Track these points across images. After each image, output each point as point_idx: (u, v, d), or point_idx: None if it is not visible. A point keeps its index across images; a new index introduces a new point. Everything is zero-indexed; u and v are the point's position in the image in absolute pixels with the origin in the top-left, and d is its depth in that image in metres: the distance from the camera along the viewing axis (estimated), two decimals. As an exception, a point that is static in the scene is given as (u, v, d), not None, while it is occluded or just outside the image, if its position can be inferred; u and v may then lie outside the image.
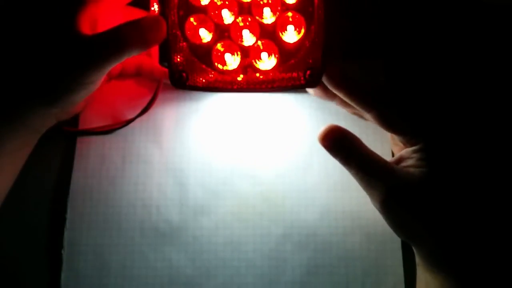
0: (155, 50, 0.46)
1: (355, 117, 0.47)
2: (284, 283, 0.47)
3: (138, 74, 0.51)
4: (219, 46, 0.45)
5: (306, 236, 0.48)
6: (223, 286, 0.47)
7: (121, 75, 0.51)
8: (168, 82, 0.45)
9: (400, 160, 0.42)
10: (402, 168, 0.42)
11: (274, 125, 0.51)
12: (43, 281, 0.46)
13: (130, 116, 0.50)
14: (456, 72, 0.53)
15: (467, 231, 0.40)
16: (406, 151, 0.42)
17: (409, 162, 0.41)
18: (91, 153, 0.50)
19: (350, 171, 0.43)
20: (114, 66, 0.42)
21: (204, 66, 0.45)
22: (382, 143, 0.50)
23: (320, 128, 0.47)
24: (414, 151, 0.41)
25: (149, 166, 0.50)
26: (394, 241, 0.48)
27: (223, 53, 0.45)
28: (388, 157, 0.49)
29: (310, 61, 0.44)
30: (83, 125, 0.50)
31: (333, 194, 0.49)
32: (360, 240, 0.48)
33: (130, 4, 0.47)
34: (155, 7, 0.45)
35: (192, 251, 0.47)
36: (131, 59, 0.50)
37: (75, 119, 0.50)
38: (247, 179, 0.49)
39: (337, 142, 0.43)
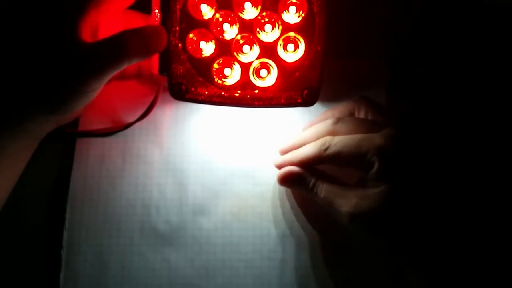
0: (155, 57, 0.46)
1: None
2: (284, 284, 0.47)
3: (139, 75, 0.51)
4: (219, 61, 0.45)
5: (306, 237, 0.48)
6: (222, 287, 0.47)
7: (122, 76, 0.51)
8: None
9: (360, 181, 0.43)
10: (361, 190, 0.42)
11: (274, 125, 0.51)
12: (42, 281, 0.46)
13: (130, 118, 0.50)
14: (455, 72, 0.53)
15: (428, 245, 0.41)
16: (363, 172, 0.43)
17: (368, 183, 0.41)
18: (91, 153, 0.50)
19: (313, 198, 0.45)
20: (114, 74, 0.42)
21: (203, 79, 0.45)
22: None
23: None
24: (371, 173, 0.41)
25: (149, 166, 0.50)
26: (393, 242, 0.48)
27: (222, 68, 0.45)
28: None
29: (308, 81, 0.45)
30: (83, 126, 0.50)
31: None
32: (360, 241, 0.48)
33: (130, 7, 0.47)
34: (157, 12, 0.45)
35: (191, 251, 0.47)
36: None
37: (75, 120, 0.50)
38: (247, 179, 0.49)
39: (295, 182, 0.45)
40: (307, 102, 0.45)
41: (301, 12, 0.44)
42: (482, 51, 0.53)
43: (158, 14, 0.45)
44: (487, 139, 0.51)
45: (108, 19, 0.45)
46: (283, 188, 0.49)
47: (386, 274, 0.46)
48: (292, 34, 0.44)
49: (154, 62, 0.46)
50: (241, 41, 0.45)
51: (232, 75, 0.45)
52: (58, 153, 0.50)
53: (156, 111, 0.51)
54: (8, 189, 0.46)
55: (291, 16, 0.44)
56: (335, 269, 0.47)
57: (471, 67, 0.53)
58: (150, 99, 0.50)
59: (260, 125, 0.51)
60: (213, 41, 0.45)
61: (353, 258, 0.47)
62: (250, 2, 0.44)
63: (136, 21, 0.48)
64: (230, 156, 0.50)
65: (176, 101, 0.51)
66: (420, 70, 0.53)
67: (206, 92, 0.45)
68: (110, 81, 0.50)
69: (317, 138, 0.44)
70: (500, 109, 0.52)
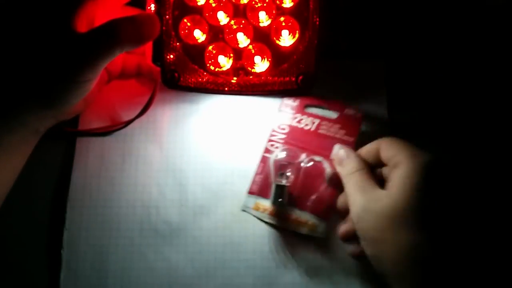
0: (149, 49, 0.46)
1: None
2: (284, 284, 0.46)
3: (139, 74, 0.51)
4: (212, 47, 0.45)
5: (306, 237, 0.48)
6: (222, 287, 0.47)
7: (121, 75, 0.51)
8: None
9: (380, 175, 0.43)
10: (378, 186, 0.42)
11: (273, 125, 0.51)
12: (43, 281, 0.47)
13: (130, 116, 0.50)
14: (455, 73, 0.53)
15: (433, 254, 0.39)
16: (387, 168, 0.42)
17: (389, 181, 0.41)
18: (91, 153, 0.50)
19: None
20: (111, 64, 0.43)
21: (196, 67, 0.45)
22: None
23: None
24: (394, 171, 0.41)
25: (148, 166, 0.50)
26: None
27: (216, 54, 0.45)
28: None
29: (303, 66, 0.44)
30: (83, 125, 0.51)
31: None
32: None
33: (128, 4, 0.47)
34: (152, 6, 0.45)
35: (192, 251, 0.47)
36: (131, 59, 0.50)
37: (75, 119, 0.50)
38: (247, 179, 0.49)
39: None
40: (302, 88, 0.45)
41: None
42: (482, 51, 0.53)
43: (153, 6, 0.45)
44: (487, 140, 0.51)
45: (105, 15, 0.45)
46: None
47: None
48: (285, 18, 0.44)
49: (148, 52, 0.46)
50: (235, 27, 0.44)
51: (226, 62, 0.45)
52: (58, 152, 0.50)
53: (155, 111, 0.51)
54: (8, 186, 0.46)
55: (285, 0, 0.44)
56: (335, 270, 0.47)
57: (471, 67, 0.53)
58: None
59: (260, 125, 0.51)
60: (206, 27, 0.44)
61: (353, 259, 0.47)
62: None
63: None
64: (230, 156, 0.50)
65: (176, 101, 0.51)
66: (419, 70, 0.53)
67: (199, 80, 0.45)
68: (110, 80, 0.51)
69: None
70: (500, 109, 0.52)
